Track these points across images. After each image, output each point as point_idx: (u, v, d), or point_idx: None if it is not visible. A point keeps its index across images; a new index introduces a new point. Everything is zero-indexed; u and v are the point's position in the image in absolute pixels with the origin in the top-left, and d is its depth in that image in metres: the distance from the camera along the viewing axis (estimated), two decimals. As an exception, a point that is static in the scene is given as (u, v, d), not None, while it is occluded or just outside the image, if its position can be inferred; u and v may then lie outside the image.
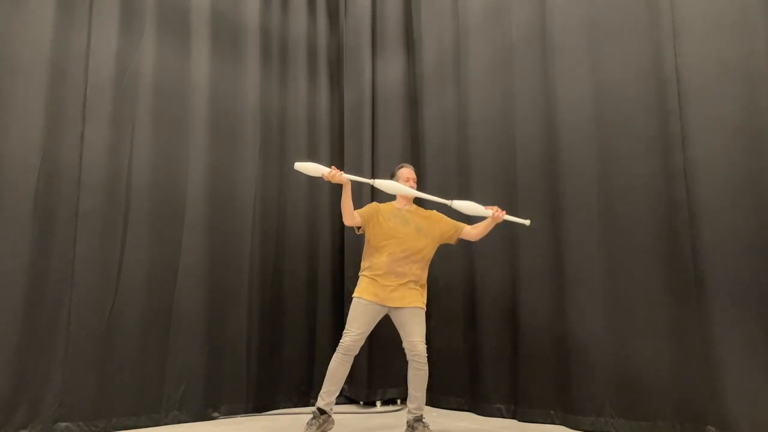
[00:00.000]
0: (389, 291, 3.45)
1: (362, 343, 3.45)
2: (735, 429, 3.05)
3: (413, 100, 5.14)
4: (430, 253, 3.63)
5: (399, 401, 4.78)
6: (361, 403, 4.76)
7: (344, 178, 3.44)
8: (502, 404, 4.15)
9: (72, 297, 3.73)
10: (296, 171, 3.55)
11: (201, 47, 4.49)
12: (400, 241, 3.51)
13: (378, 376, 4.73)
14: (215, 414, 4.24)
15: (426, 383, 3.46)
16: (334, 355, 3.43)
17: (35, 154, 3.67)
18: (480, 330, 4.35)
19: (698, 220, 3.29)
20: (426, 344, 3.47)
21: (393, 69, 5.18)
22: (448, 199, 3.59)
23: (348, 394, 4.89)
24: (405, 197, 3.67)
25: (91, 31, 3.99)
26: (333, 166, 3.47)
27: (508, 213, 3.60)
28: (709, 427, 3.19)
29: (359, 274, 3.61)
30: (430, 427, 3.47)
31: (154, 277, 4.07)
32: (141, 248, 4.03)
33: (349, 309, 4.83)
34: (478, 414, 4.26)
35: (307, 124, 5.15)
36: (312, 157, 5.10)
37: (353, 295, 3.54)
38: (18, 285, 3.54)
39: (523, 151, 4.17)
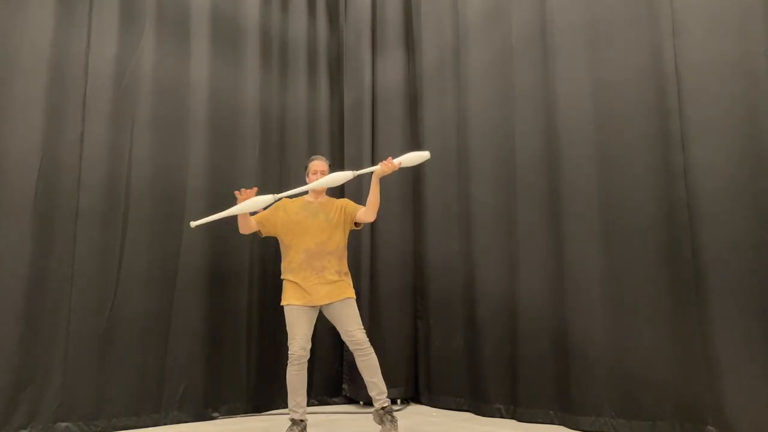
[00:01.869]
0: (313, 289, 3.45)
1: (309, 346, 3.42)
2: (735, 429, 3.05)
3: (413, 100, 5.14)
4: (343, 240, 3.62)
5: (399, 401, 4.77)
6: (361, 403, 4.76)
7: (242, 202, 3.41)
8: (501, 404, 4.15)
9: (72, 297, 3.73)
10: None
11: (201, 47, 4.49)
12: (312, 235, 3.51)
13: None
14: (215, 414, 4.24)
15: (377, 367, 3.45)
16: (288, 368, 3.39)
17: (35, 154, 3.68)
18: (479, 330, 4.34)
19: (698, 220, 3.28)
20: (364, 330, 3.48)
21: (393, 69, 5.18)
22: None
23: (348, 394, 4.89)
24: (315, 190, 3.65)
25: (91, 31, 3.99)
26: (242, 191, 3.43)
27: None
28: (709, 427, 3.19)
29: (281, 277, 3.61)
30: (397, 423, 3.44)
31: (154, 276, 4.07)
32: (141, 248, 4.03)
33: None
34: (478, 414, 4.26)
35: (307, 124, 5.15)
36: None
37: (282, 303, 3.53)
38: (18, 285, 3.54)
39: (522, 151, 4.17)
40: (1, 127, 3.60)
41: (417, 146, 5.04)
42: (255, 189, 3.45)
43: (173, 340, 4.11)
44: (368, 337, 3.54)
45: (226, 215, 3.47)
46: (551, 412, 3.86)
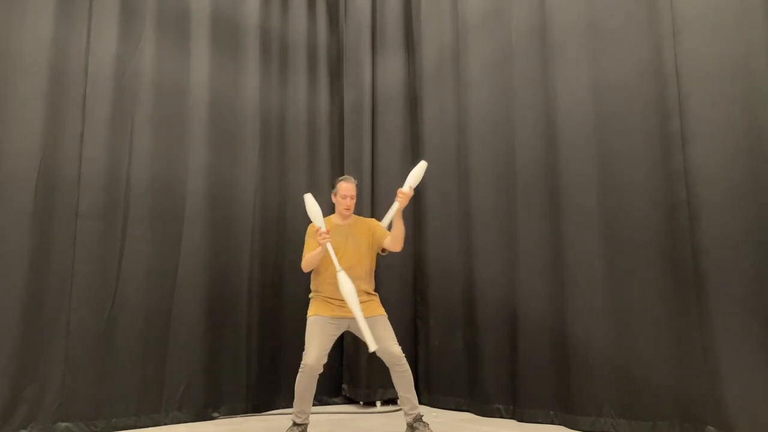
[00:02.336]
0: (344, 308, 3.35)
1: (324, 360, 3.35)
2: (735, 429, 3.05)
3: (413, 100, 5.14)
4: (371, 263, 3.57)
5: (399, 401, 4.77)
6: (361, 403, 4.76)
7: (326, 246, 3.32)
8: (501, 404, 4.15)
9: (72, 297, 3.73)
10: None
11: (201, 47, 4.49)
12: (342, 261, 3.38)
13: (378, 376, 4.73)
14: (215, 414, 4.24)
15: (412, 382, 3.43)
16: (299, 375, 3.33)
17: (35, 154, 3.68)
18: (479, 330, 4.35)
19: (698, 220, 3.28)
20: (413, 344, 3.44)
21: (393, 69, 5.18)
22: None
23: (348, 394, 4.89)
24: (341, 213, 3.58)
25: (90, 31, 3.99)
26: (328, 229, 3.34)
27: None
28: (709, 427, 3.19)
29: (310, 296, 3.56)
30: (431, 427, 3.46)
31: (154, 276, 4.08)
32: (141, 248, 4.03)
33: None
34: (478, 414, 4.26)
35: (307, 124, 5.15)
36: (312, 157, 5.11)
37: (308, 314, 3.47)
38: (18, 285, 3.54)
39: (522, 151, 4.17)
40: (1, 127, 3.60)
41: (417, 146, 5.05)
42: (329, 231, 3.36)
43: (173, 340, 4.11)
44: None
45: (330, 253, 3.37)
46: (551, 412, 3.86)
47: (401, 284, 4.87)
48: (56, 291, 3.69)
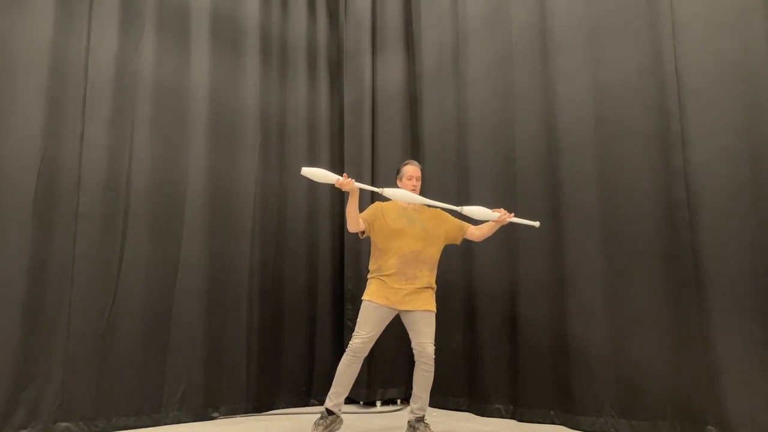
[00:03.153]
0: (401, 295, 3.41)
1: (371, 345, 3.42)
2: (735, 429, 3.06)
3: (413, 100, 5.14)
4: (437, 253, 3.61)
5: (399, 401, 4.78)
6: (361, 403, 4.76)
7: (355, 186, 3.37)
8: (501, 404, 4.15)
9: (72, 297, 3.73)
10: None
11: (201, 47, 4.49)
12: (409, 242, 3.48)
13: (378, 376, 4.73)
14: (215, 414, 4.24)
15: (431, 385, 3.46)
16: (344, 356, 3.40)
17: (35, 154, 3.67)
18: (479, 330, 4.35)
19: (698, 220, 3.29)
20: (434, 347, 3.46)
21: (393, 69, 5.18)
22: (457, 206, 3.53)
23: (348, 394, 4.88)
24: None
25: (91, 31, 3.98)
26: (345, 174, 3.39)
27: (506, 211, 3.58)
28: (709, 427, 3.19)
29: (368, 276, 3.57)
30: (432, 428, 3.46)
31: (154, 277, 4.07)
32: (141, 248, 4.03)
33: (346, 308, 4.88)
34: (478, 414, 4.26)
35: (307, 124, 5.15)
36: (312, 157, 5.11)
37: (363, 297, 3.50)
38: (18, 285, 3.54)
39: (522, 151, 4.18)
40: (1, 127, 3.60)
41: (417, 146, 5.04)
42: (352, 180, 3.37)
43: (173, 340, 4.11)
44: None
45: (370, 189, 3.55)
46: (551, 412, 3.86)
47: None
48: (56, 291, 3.69)
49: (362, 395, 4.75)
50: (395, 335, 4.69)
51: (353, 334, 3.43)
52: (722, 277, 3.18)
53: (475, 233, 3.68)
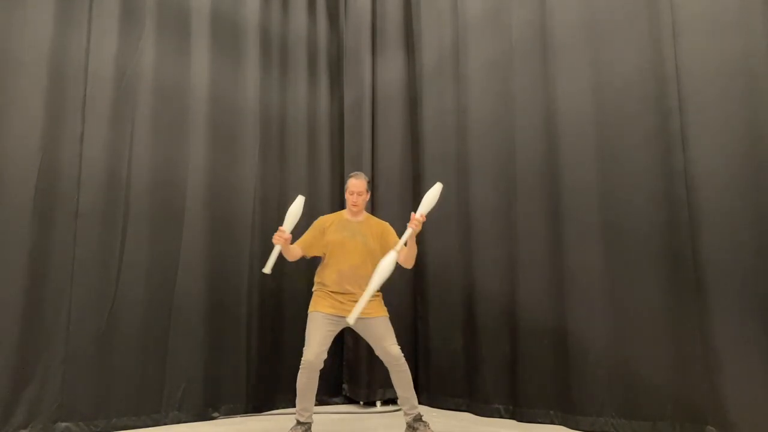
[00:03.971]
0: (346, 303, 3.40)
1: (324, 356, 3.37)
2: (735, 429, 3.05)
3: (413, 100, 5.14)
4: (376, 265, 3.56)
5: (398, 401, 4.77)
6: (361, 403, 4.76)
7: (282, 245, 3.40)
8: (501, 404, 4.15)
9: (72, 297, 3.73)
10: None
11: (201, 47, 4.49)
12: (348, 257, 3.46)
13: (378, 376, 4.73)
14: (215, 414, 4.24)
15: (411, 381, 3.44)
16: (300, 372, 3.34)
17: (35, 154, 3.67)
18: (479, 330, 4.34)
19: (698, 220, 3.28)
20: (412, 344, 3.44)
21: (393, 69, 5.18)
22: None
23: (348, 394, 4.89)
24: (349, 209, 3.61)
25: (91, 31, 3.98)
26: (282, 230, 3.38)
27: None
28: (709, 427, 3.19)
29: (312, 290, 3.59)
30: (431, 427, 3.46)
31: (154, 276, 4.07)
32: (141, 248, 4.03)
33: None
34: (477, 414, 4.26)
35: (307, 124, 5.15)
36: (312, 157, 5.11)
37: (309, 310, 3.49)
38: (18, 285, 3.54)
39: (522, 151, 4.17)
40: (1, 127, 3.60)
41: (417, 146, 5.05)
42: (290, 236, 3.39)
43: (173, 340, 4.11)
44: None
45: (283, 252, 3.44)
46: (551, 412, 3.86)
47: (401, 284, 4.87)
48: (56, 291, 3.69)
49: (362, 395, 4.75)
50: (395, 335, 4.70)
51: (304, 348, 3.37)
52: (722, 277, 3.17)
53: (401, 258, 3.48)
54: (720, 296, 3.17)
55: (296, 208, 3.43)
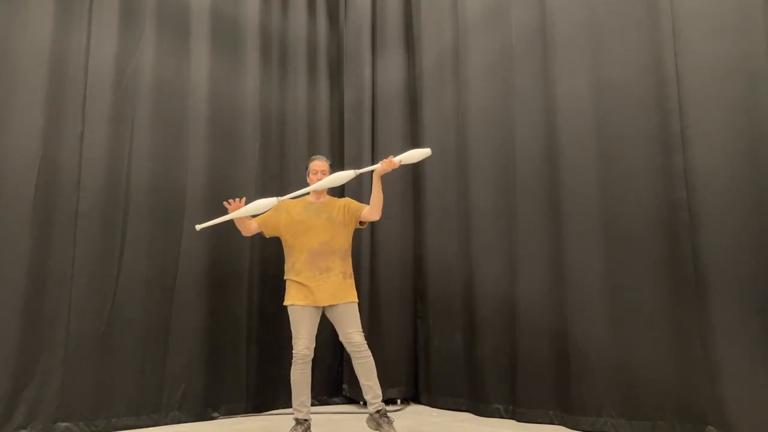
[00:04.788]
0: (318, 291, 3.44)
1: (313, 347, 3.44)
2: (735, 429, 3.05)
3: (413, 100, 5.14)
4: (347, 240, 3.62)
5: (399, 401, 4.78)
6: (361, 403, 4.76)
7: (233, 214, 3.48)
8: (500, 404, 4.15)
9: (72, 297, 3.73)
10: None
11: (201, 47, 4.49)
12: (316, 235, 3.51)
13: (378, 376, 4.72)
14: (215, 414, 4.24)
15: (374, 370, 3.47)
16: (293, 367, 3.41)
17: (35, 154, 3.68)
18: (479, 330, 4.34)
19: (698, 220, 3.28)
20: (363, 333, 3.49)
21: (393, 69, 5.18)
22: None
23: (348, 394, 4.89)
24: (317, 191, 3.66)
25: (90, 31, 3.99)
26: (228, 201, 3.50)
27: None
28: (709, 427, 3.19)
29: (284, 278, 3.60)
30: (394, 424, 3.44)
31: (154, 277, 4.08)
32: (141, 248, 4.03)
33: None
34: (477, 414, 4.26)
35: (307, 123, 5.15)
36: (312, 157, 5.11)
37: (285, 303, 3.53)
38: (18, 285, 3.55)
39: (522, 151, 4.17)
40: (1, 127, 3.60)
41: (417, 146, 5.04)
42: (243, 199, 3.50)
43: (173, 340, 4.11)
44: (368, 337, 3.54)
45: (229, 218, 3.51)
46: (551, 412, 3.86)
47: (401, 284, 4.87)
48: (56, 291, 3.69)
49: (362, 395, 4.74)
50: (396, 335, 4.70)
51: (292, 342, 3.44)
52: (722, 277, 3.17)
53: (368, 211, 3.60)
54: (720, 296, 3.17)
55: (267, 202, 3.48)
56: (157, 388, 4.01)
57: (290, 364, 4.72)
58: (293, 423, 3.44)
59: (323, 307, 3.51)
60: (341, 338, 3.51)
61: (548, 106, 4.05)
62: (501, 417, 4.12)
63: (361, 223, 3.69)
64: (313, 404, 4.68)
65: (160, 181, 4.18)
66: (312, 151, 5.11)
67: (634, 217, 3.58)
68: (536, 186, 4.08)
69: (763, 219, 3.09)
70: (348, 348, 3.48)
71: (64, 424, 3.63)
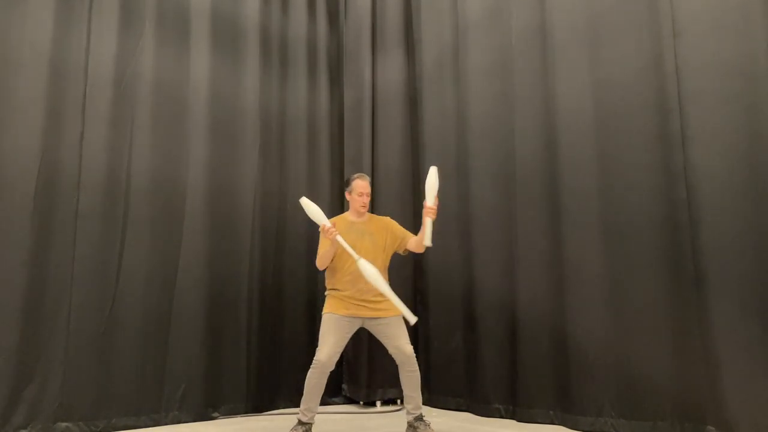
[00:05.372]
0: (360, 305, 3.43)
1: (337, 359, 3.40)
2: (735, 429, 3.05)
3: (413, 100, 5.14)
4: (387, 261, 3.60)
5: (399, 401, 4.77)
6: (361, 403, 4.76)
7: (335, 239, 3.34)
8: (501, 404, 4.15)
9: (72, 297, 3.73)
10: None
11: (201, 47, 4.49)
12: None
13: (378, 376, 4.74)
14: (215, 414, 4.24)
15: (419, 382, 3.47)
16: (310, 372, 3.36)
17: (35, 154, 3.68)
18: (479, 330, 4.34)
19: (698, 220, 3.28)
20: (412, 345, 3.47)
21: (393, 69, 5.18)
22: (412, 318, 3.28)
23: (348, 394, 4.89)
24: (356, 210, 3.60)
25: (90, 31, 3.99)
26: (334, 223, 3.40)
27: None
28: (709, 427, 3.19)
29: (326, 293, 3.58)
30: (432, 426, 3.47)
31: (154, 277, 4.07)
32: (140, 248, 4.03)
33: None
34: (477, 414, 4.26)
35: (307, 124, 5.15)
36: (312, 157, 5.12)
37: (323, 311, 3.50)
38: (18, 285, 3.54)
39: (522, 151, 4.17)
40: (1, 127, 3.60)
41: (417, 146, 5.05)
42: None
43: (173, 340, 4.11)
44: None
45: (347, 250, 3.35)
46: (551, 412, 3.86)
47: (401, 284, 4.85)
48: (56, 291, 3.69)
49: (362, 395, 4.75)
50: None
51: (317, 348, 3.39)
52: (722, 277, 3.17)
53: (413, 243, 3.58)
54: (720, 296, 3.17)
55: (312, 205, 3.43)
56: (157, 388, 4.01)
57: (290, 364, 4.75)
58: (295, 422, 3.43)
59: (364, 320, 3.47)
60: (390, 350, 3.46)
61: (548, 105, 4.05)
62: (501, 417, 4.12)
63: (404, 250, 3.66)
64: (313, 404, 4.70)
65: (160, 181, 4.18)
66: (312, 151, 5.12)
67: (634, 217, 3.58)
68: (536, 185, 4.08)
69: (763, 219, 3.09)
70: (398, 359, 3.44)
71: (64, 424, 3.63)
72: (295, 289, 4.87)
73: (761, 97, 3.15)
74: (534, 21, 4.19)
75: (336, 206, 5.17)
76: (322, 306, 4.95)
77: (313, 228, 5.04)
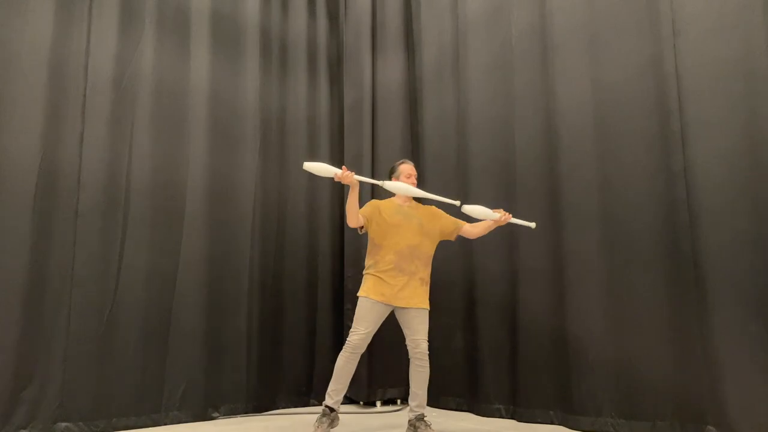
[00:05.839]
0: (396, 290, 3.46)
1: (369, 341, 3.46)
2: (735, 429, 3.05)
3: (413, 100, 5.14)
4: (432, 248, 3.66)
5: (399, 401, 4.78)
6: (361, 403, 4.76)
7: (354, 179, 3.40)
8: (501, 404, 4.15)
9: (72, 297, 3.73)
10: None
11: (201, 47, 4.49)
12: (406, 237, 3.53)
13: (378, 376, 4.74)
14: (215, 414, 4.24)
15: (427, 381, 3.50)
16: (341, 353, 3.42)
17: (35, 154, 3.67)
18: (479, 330, 4.35)
19: (698, 220, 3.28)
20: (428, 343, 3.51)
21: (393, 69, 5.18)
22: (456, 201, 3.56)
23: (348, 394, 4.87)
24: (402, 196, 3.66)
25: (90, 31, 3.98)
26: (344, 167, 3.44)
27: (506, 212, 3.60)
28: (709, 427, 3.19)
29: (364, 272, 3.60)
30: (432, 427, 3.47)
31: (154, 277, 4.07)
32: (141, 248, 4.03)
33: (346, 308, 4.89)
34: (478, 414, 4.26)
35: (307, 124, 5.15)
36: (312, 157, 5.10)
37: (359, 294, 3.53)
38: (18, 285, 3.54)
39: (522, 151, 4.17)
40: (1, 127, 3.60)
41: (417, 146, 5.05)
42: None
43: (173, 340, 4.11)
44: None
45: (370, 182, 3.67)
46: (551, 412, 3.86)
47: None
48: (56, 291, 3.69)
49: (362, 395, 4.75)
50: (395, 335, 4.69)
51: (351, 330, 3.46)
52: (722, 277, 3.17)
53: (471, 231, 3.73)
54: (720, 296, 3.17)
55: (315, 164, 3.44)
56: (157, 388, 4.01)
57: (290, 364, 4.75)
58: (319, 413, 3.43)
59: (395, 308, 3.51)
60: (408, 342, 3.51)
61: (548, 105, 4.05)
62: (501, 417, 4.12)
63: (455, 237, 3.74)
64: (312, 404, 4.72)
65: (160, 181, 4.18)
66: (312, 151, 5.13)
67: (634, 217, 3.58)
68: (536, 185, 4.08)
69: (763, 218, 3.09)
70: (412, 353, 3.49)
71: (64, 424, 3.63)
72: (295, 289, 4.88)
73: (761, 97, 3.15)
74: (534, 21, 4.20)
75: (336, 207, 5.17)
76: (322, 306, 5.01)
77: (313, 228, 5.07)
